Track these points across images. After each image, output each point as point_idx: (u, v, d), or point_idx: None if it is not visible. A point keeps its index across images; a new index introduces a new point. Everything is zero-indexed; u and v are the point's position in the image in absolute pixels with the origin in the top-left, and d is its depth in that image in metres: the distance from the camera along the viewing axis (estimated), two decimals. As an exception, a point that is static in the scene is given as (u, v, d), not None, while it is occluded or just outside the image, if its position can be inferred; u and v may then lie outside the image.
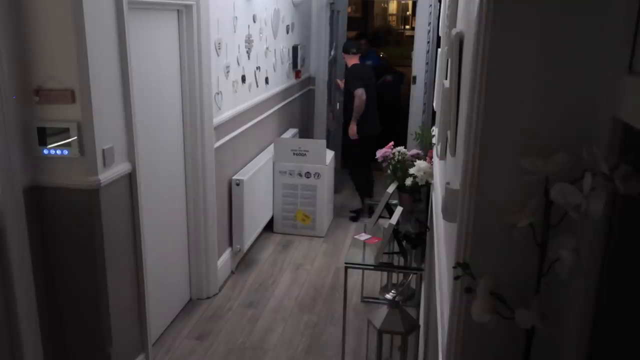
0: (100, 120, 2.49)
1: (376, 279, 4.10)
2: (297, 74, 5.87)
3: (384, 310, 2.68)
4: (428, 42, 5.78)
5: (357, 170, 5.60)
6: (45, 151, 2.46)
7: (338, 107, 6.26)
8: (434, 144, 2.81)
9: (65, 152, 2.46)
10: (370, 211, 5.21)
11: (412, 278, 3.59)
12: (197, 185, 3.68)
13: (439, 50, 2.90)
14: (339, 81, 6.10)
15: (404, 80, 6.94)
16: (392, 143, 3.34)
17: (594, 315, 0.91)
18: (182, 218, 3.67)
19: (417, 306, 3.38)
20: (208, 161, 3.69)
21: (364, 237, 3.12)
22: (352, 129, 5.32)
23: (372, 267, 3.04)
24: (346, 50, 5.56)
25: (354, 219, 5.42)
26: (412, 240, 3.06)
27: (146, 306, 2.98)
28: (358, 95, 5.21)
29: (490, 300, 0.91)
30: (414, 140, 4.08)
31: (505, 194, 0.94)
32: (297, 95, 5.98)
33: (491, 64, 0.91)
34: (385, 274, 3.85)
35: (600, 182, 0.76)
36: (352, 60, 5.44)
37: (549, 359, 0.99)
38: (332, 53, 6.22)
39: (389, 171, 3.22)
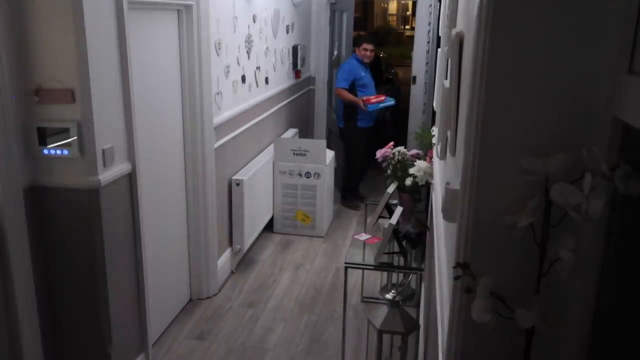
0: (100, 120, 2.48)
1: (376, 279, 4.09)
2: (297, 74, 5.86)
3: (384, 310, 2.68)
4: (428, 42, 5.78)
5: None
6: (45, 151, 2.46)
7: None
8: (434, 144, 2.81)
9: (65, 152, 2.46)
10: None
11: (412, 278, 3.58)
12: (197, 185, 3.67)
13: (439, 50, 2.90)
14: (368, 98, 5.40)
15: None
16: (392, 143, 3.34)
17: (594, 315, 0.91)
18: (182, 218, 3.67)
19: (417, 306, 3.38)
20: (208, 161, 3.68)
21: (364, 237, 3.12)
22: None
23: (372, 267, 3.04)
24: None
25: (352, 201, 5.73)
26: (412, 240, 3.05)
27: (146, 306, 2.98)
28: None
29: (490, 300, 0.91)
30: (414, 141, 4.07)
31: (505, 194, 0.94)
32: (297, 95, 5.97)
33: (491, 64, 0.91)
34: (385, 274, 3.85)
35: (600, 182, 0.76)
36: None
37: (548, 359, 0.99)
38: (336, 53, 6.20)
39: (389, 171, 3.22)
